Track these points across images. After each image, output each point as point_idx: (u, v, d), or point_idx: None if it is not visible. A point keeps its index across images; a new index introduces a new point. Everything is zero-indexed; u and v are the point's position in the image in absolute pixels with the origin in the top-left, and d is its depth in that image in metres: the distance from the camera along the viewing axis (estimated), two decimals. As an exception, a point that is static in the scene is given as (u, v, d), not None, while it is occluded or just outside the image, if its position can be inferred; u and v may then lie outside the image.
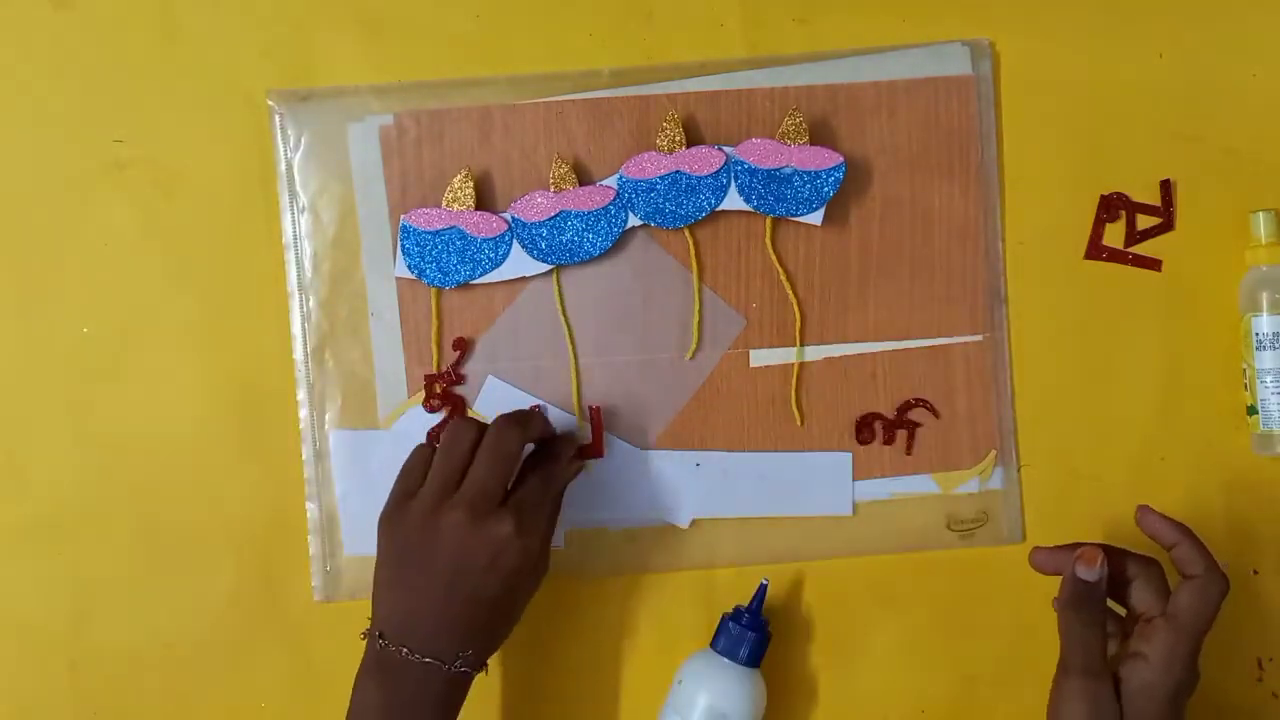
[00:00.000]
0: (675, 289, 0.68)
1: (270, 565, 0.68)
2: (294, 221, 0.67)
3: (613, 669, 0.67)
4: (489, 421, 0.62)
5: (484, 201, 0.67)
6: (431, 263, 0.66)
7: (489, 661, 0.61)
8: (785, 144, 0.66)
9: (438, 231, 0.66)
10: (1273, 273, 0.67)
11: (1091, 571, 0.58)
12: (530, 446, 0.64)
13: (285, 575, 0.68)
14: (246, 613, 0.68)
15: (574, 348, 0.68)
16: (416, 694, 0.58)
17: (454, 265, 0.66)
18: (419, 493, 0.60)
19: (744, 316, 0.68)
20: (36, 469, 0.68)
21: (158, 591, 0.68)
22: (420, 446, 0.63)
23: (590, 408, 0.68)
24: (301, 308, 0.67)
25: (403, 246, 0.66)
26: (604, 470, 0.68)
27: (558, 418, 0.68)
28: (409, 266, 0.66)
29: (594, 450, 0.68)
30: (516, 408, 0.67)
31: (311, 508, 0.67)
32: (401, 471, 0.62)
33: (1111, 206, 0.69)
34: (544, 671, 0.68)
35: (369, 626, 0.60)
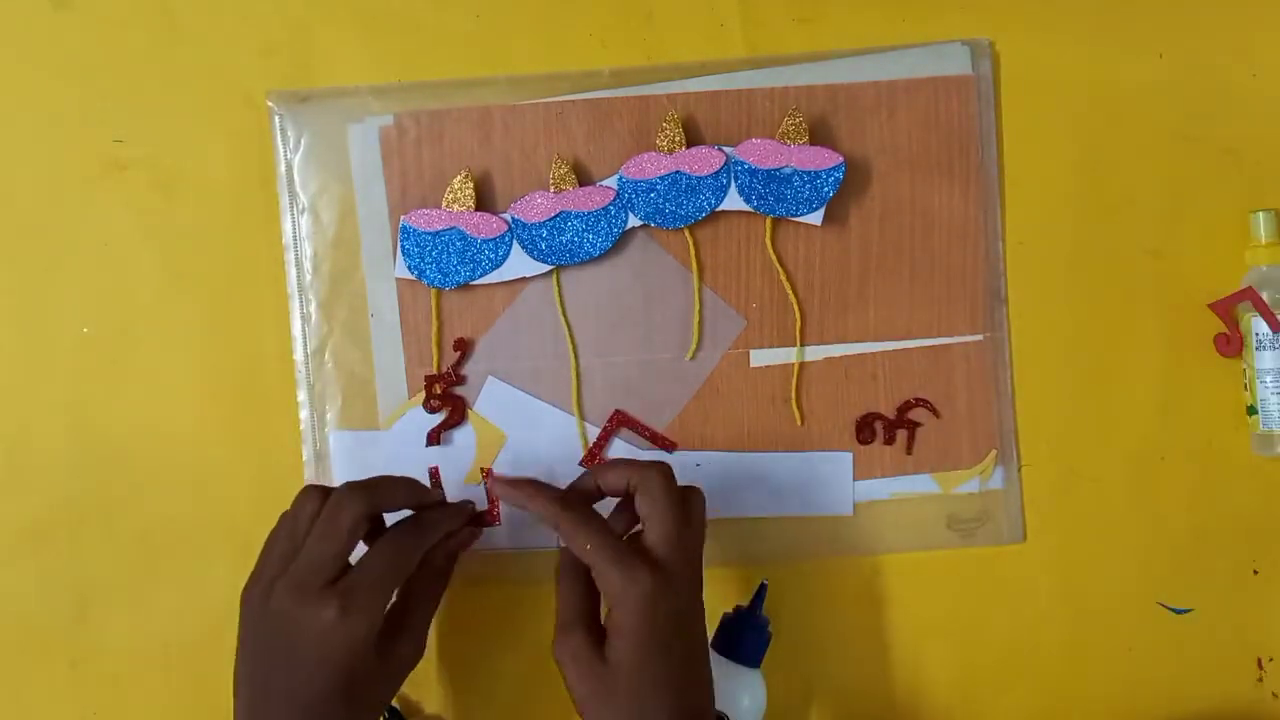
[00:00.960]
0: (675, 289, 0.68)
1: (270, 565, 0.68)
2: (294, 222, 0.67)
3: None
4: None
5: (484, 202, 0.67)
6: (431, 263, 0.66)
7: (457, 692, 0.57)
8: (785, 144, 0.66)
9: (438, 232, 0.66)
10: (1273, 273, 0.67)
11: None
12: (402, 513, 0.60)
13: (285, 575, 0.68)
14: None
15: (574, 348, 0.68)
16: None
17: (454, 266, 0.66)
18: (254, 570, 0.57)
19: (744, 316, 0.68)
20: (36, 469, 0.68)
21: (158, 591, 0.68)
22: (283, 514, 0.58)
23: (482, 470, 0.66)
24: (301, 308, 0.67)
25: (403, 247, 0.66)
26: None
27: (540, 415, 0.67)
28: (409, 267, 0.66)
29: (489, 518, 0.66)
30: (516, 408, 0.67)
31: (312, 508, 0.67)
32: (264, 546, 0.58)
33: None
34: (544, 672, 0.68)
35: None
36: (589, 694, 0.54)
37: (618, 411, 0.67)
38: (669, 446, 0.67)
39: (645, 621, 0.53)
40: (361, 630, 0.54)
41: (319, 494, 0.57)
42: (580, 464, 0.67)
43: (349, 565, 0.56)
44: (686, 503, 0.57)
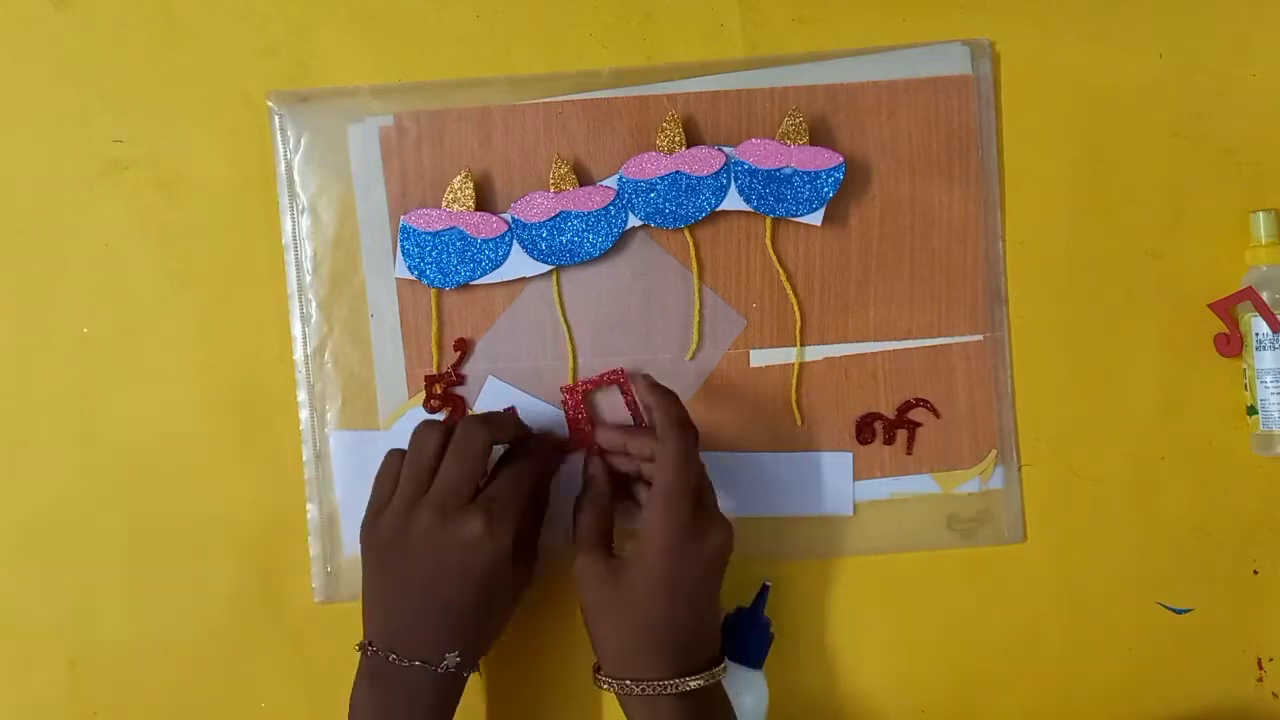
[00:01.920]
0: (675, 289, 0.68)
1: (270, 565, 0.68)
2: (294, 222, 0.67)
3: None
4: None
5: (484, 202, 0.67)
6: (431, 263, 0.66)
7: (484, 661, 0.61)
8: (785, 144, 0.66)
9: (438, 232, 0.66)
10: (1273, 273, 0.67)
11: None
12: (501, 449, 0.63)
13: (285, 575, 0.68)
14: (246, 613, 0.68)
15: (573, 348, 0.68)
16: (407, 699, 0.59)
17: (454, 266, 0.66)
18: (391, 500, 0.61)
19: (744, 316, 0.68)
20: (36, 469, 0.68)
21: (158, 591, 0.68)
22: (390, 453, 0.62)
23: (563, 389, 0.67)
24: (301, 308, 0.67)
25: (403, 247, 0.66)
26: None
27: (540, 415, 0.67)
28: (409, 267, 0.66)
29: (573, 442, 0.67)
30: (514, 408, 0.67)
31: (312, 509, 0.67)
32: (375, 481, 0.62)
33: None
34: (545, 672, 0.68)
35: (363, 637, 0.60)
36: (599, 602, 0.60)
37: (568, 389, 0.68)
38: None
39: (661, 555, 0.58)
40: (505, 540, 0.59)
41: (440, 428, 0.61)
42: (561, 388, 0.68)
43: (479, 488, 0.60)
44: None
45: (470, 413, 0.66)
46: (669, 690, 0.57)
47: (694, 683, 0.58)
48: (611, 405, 0.68)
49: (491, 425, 0.61)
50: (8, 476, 0.68)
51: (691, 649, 0.59)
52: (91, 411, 0.68)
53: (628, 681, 0.58)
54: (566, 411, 0.67)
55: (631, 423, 0.67)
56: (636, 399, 0.67)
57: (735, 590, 0.67)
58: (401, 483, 0.60)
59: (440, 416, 0.67)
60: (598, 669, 0.60)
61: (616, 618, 0.59)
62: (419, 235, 0.66)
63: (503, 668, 0.68)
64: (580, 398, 0.67)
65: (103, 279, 0.68)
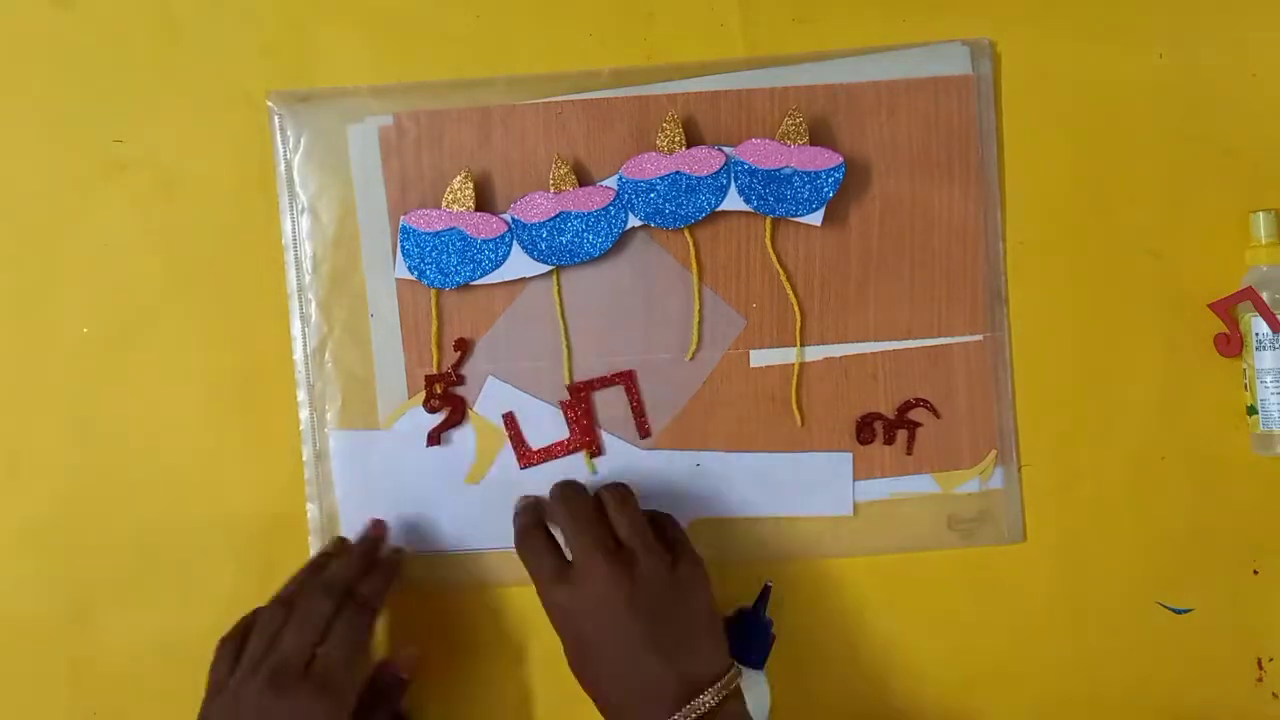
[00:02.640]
0: (675, 289, 0.68)
1: (270, 565, 0.68)
2: (293, 222, 0.67)
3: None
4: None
5: (484, 202, 0.67)
6: (431, 264, 0.66)
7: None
8: (785, 144, 0.66)
9: (438, 233, 0.66)
10: (1273, 273, 0.67)
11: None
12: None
13: (285, 575, 0.68)
14: (246, 613, 0.68)
15: (569, 348, 0.67)
16: None
17: (454, 266, 0.66)
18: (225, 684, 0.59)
19: (744, 316, 0.68)
20: (36, 469, 0.68)
21: (158, 591, 0.68)
22: (224, 637, 0.61)
23: (568, 389, 0.67)
24: (301, 308, 0.67)
25: (403, 248, 0.66)
26: (604, 471, 0.68)
27: (540, 415, 0.67)
28: (409, 268, 0.66)
29: (574, 444, 0.67)
30: (514, 408, 0.67)
31: (312, 508, 0.67)
32: (210, 670, 0.60)
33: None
34: (545, 673, 0.68)
35: None
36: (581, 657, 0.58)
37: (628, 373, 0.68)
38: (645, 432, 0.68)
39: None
40: (343, 709, 0.57)
41: (282, 608, 0.60)
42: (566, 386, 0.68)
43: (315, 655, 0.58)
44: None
45: (344, 541, 0.66)
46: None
47: (708, 700, 0.56)
48: (614, 406, 0.68)
49: (329, 586, 0.60)
50: (8, 476, 0.68)
51: (679, 671, 0.57)
52: (91, 411, 0.68)
53: None
54: (567, 412, 0.67)
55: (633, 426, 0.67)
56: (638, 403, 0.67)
57: (736, 591, 0.67)
58: (244, 658, 0.59)
59: (438, 418, 0.67)
60: None
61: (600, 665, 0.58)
62: (419, 235, 0.66)
63: None
64: (585, 398, 0.67)
65: (103, 279, 0.68)
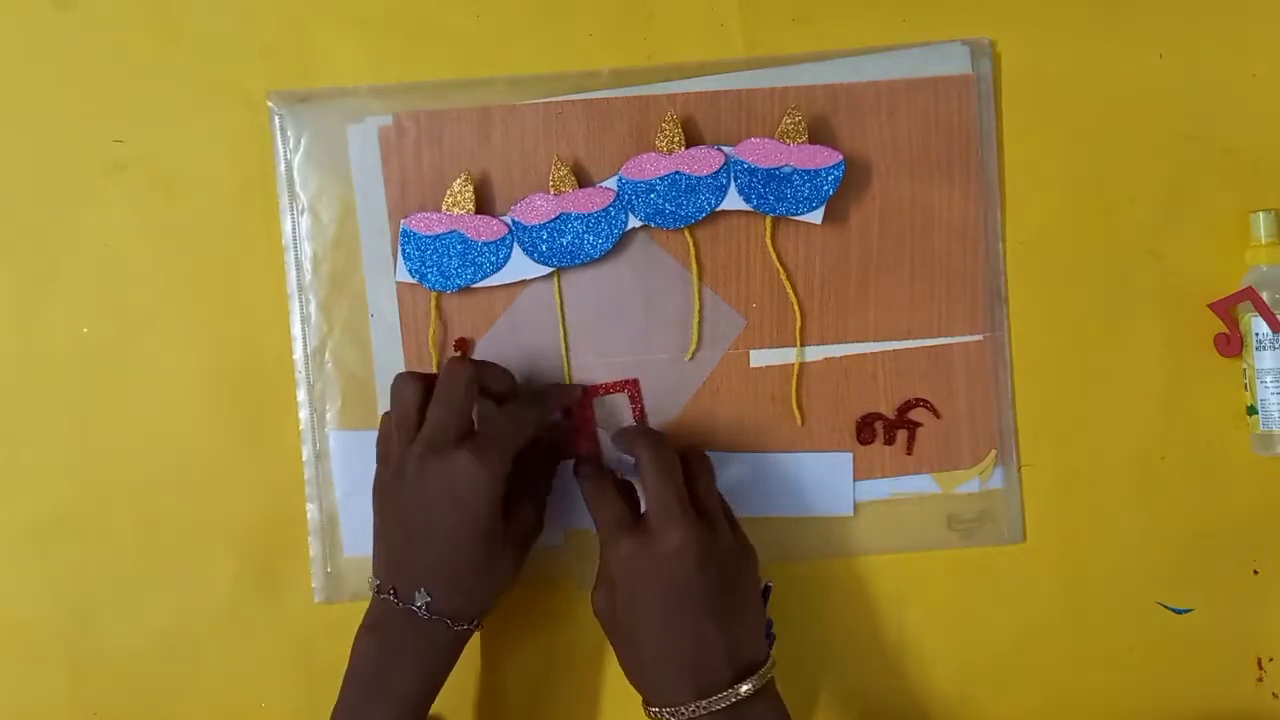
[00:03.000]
0: (675, 289, 0.68)
1: (270, 565, 0.68)
2: (294, 222, 0.67)
3: (615, 672, 0.67)
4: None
5: (484, 203, 0.67)
6: (432, 267, 0.66)
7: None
8: (785, 143, 0.66)
9: (438, 236, 0.66)
10: (1273, 273, 0.67)
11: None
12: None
13: (285, 575, 0.68)
14: (246, 613, 0.68)
15: (567, 350, 0.67)
16: (403, 644, 0.59)
17: (455, 269, 0.66)
18: (379, 464, 0.61)
19: (744, 316, 0.68)
20: (36, 469, 0.68)
21: (158, 591, 0.68)
22: (383, 417, 0.62)
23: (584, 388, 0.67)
24: (301, 309, 0.67)
25: (403, 251, 0.66)
26: (604, 470, 0.68)
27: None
28: (410, 271, 0.66)
29: (577, 447, 0.67)
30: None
31: (312, 509, 0.67)
32: (376, 447, 0.62)
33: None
34: (546, 674, 0.68)
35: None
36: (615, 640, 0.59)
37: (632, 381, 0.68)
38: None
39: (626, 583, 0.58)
40: (495, 476, 0.58)
41: (416, 379, 0.60)
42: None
43: (472, 429, 0.60)
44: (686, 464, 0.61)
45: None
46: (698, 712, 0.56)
47: (745, 688, 0.56)
48: (619, 414, 0.68)
49: (475, 366, 0.61)
50: (8, 476, 0.68)
51: (722, 658, 0.57)
52: (91, 411, 0.68)
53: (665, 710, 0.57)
54: (571, 417, 0.67)
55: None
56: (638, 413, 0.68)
57: (735, 590, 0.67)
58: (384, 446, 0.61)
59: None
60: (646, 703, 0.59)
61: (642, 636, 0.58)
62: (420, 239, 0.66)
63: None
64: (587, 403, 0.67)
65: (103, 279, 0.68)
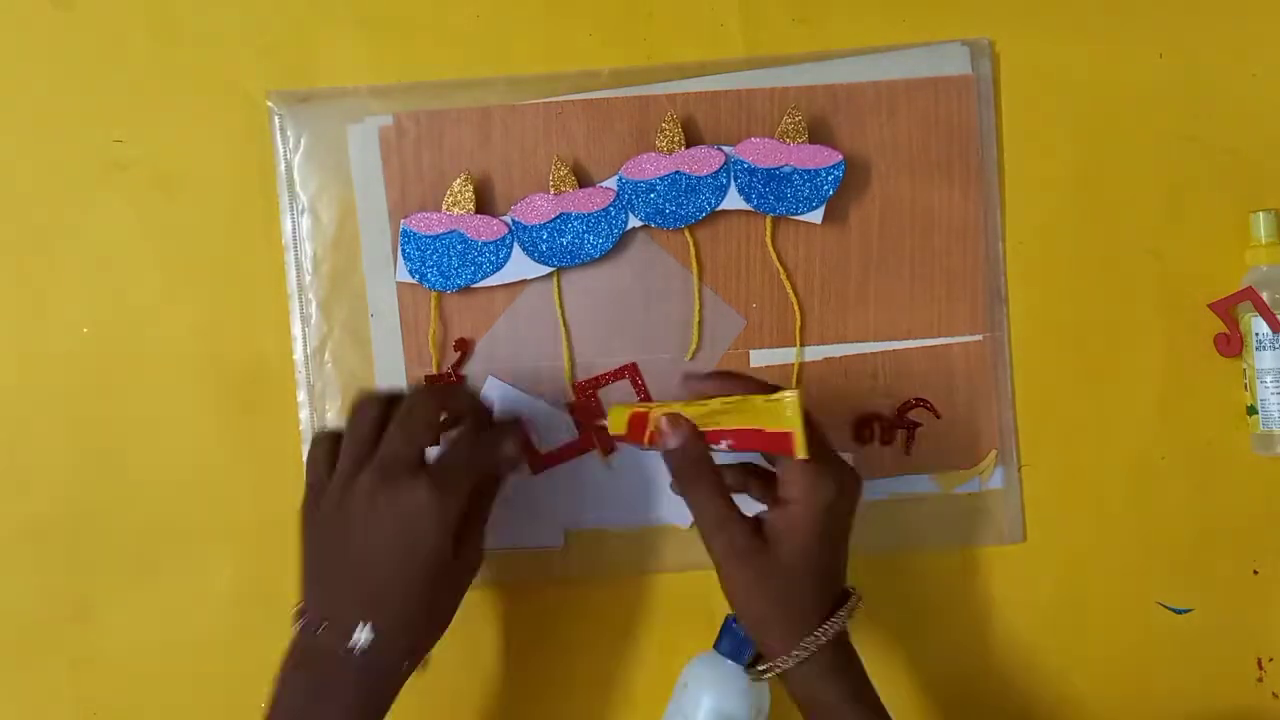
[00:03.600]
0: (675, 289, 0.68)
1: (270, 565, 0.68)
2: (294, 222, 0.67)
3: (615, 672, 0.67)
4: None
5: (484, 203, 0.67)
6: (433, 267, 0.66)
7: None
8: (784, 143, 0.66)
9: (438, 236, 0.66)
10: (1273, 273, 0.67)
11: (669, 440, 0.58)
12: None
13: (285, 576, 0.68)
14: (246, 613, 0.68)
15: (569, 350, 0.67)
16: (335, 684, 0.54)
17: (455, 269, 0.66)
18: (328, 479, 0.57)
19: (744, 316, 0.68)
20: (36, 469, 0.68)
21: (158, 591, 0.68)
22: (318, 435, 0.59)
23: (575, 388, 0.67)
24: (301, 308, 0.67)
25: (403, 251, 0.66)
26: (604, 470, 0.68)
27: (541, 416, 0.67)
28: (410, 271, 0.66)
29: (584, 442, 0.67)
30: (516, 408, 0.67)
31: (312, 508, 0.67)
32: (306, 466, 0.58)
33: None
34: (545, 675, 0.68)
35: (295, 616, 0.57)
36: (747, 580, 0.57)
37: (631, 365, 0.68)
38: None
39: (820, 515, 0.57)
40: (452, 511, 0.55)
41: (380, 399, 0.58)
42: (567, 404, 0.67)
43: (424, 459, 0.57)
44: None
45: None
46: (824, 636, 0.56)
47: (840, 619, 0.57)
48: (624, 400, 0.68)
49: (441, 394, 0.59)
50: (8, 476, 0.68)
51: (836, 586, 0.59)
52: (91, 411, 0.68)
53: (793, 654, 0.56)
54: (574, 412, 0.67)
55: None
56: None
57: (735, 590, 0.67)
58: (341, 457, 0.57)
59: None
60: (755, 661, 0.59)
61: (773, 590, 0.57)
62: (420, 239, 0.66)
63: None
64: (591, 397, 0.67)
65: (103, 279, 0.68)
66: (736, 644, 0.64)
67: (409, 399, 0.58)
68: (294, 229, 0.67)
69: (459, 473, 0.57)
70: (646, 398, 0.67)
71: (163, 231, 0.68)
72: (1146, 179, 0.69)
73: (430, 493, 0.55)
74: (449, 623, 0.59)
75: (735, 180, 0.66)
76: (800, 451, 0.55)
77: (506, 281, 0.66)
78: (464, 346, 0.67)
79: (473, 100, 0.67)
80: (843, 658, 0.58)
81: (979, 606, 0.69)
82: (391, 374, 0.67)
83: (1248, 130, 0.69)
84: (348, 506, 0.55)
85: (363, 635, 0.54)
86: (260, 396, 0.68)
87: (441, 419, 0.60)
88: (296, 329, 0.68)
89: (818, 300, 0.68)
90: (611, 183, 0.67)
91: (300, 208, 0.67)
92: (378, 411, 0.57)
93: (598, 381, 0.67)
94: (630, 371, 0.67)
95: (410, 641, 0.56)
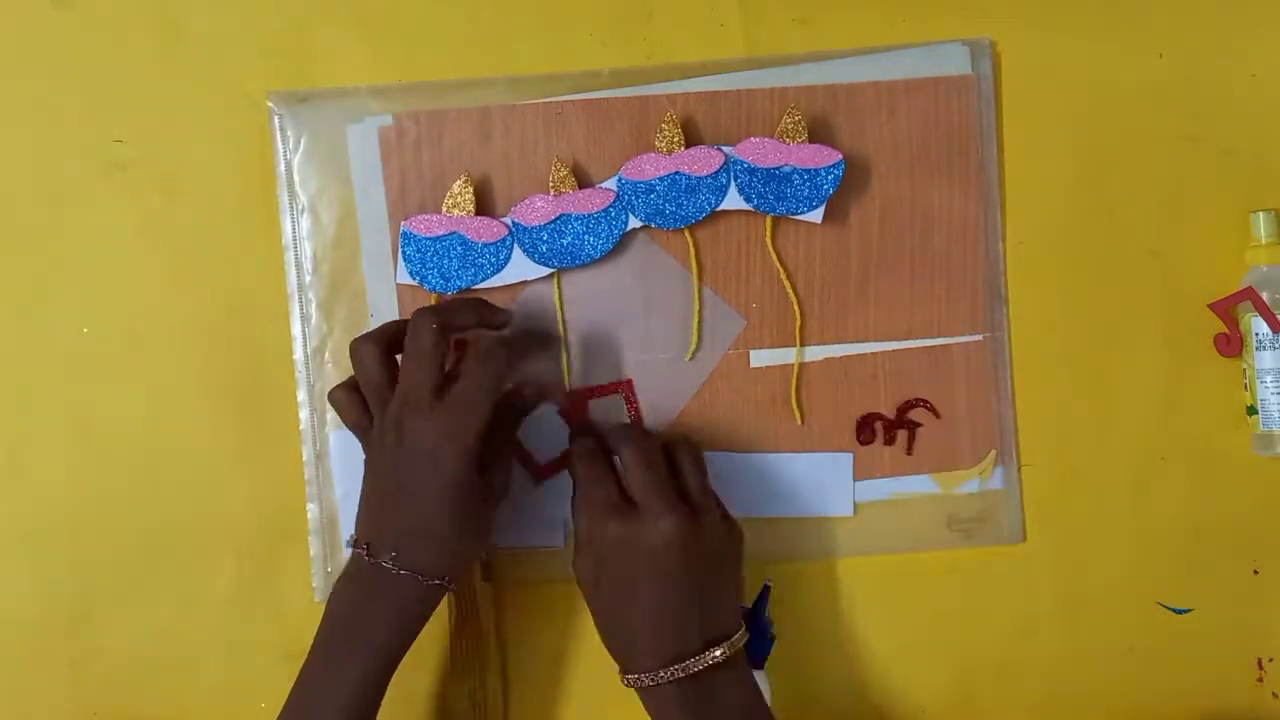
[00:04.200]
0: (675, 290, 0.68)
1: (270, 565, 0.68)
2: (293, 222, 0.67)
3: (615, 672, 0.67)
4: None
5: (484, 203, 0.67)
6: (433, 269, 0.66)
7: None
8: (784, 142, 0.66)
9: (438, 238, 0.66)
10: (1273, 273, 0.67)
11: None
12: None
13: (285, 575, 0.68)
14: (246, 613, 0.68)
15: (567, 354, 0.67)
16: (376, 595, 0.59)
17: (455, 271, 0.66)
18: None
19: (744, 316, 0.68)
20: (36, 469, 0.68)
21: (158, 591, 0.68)
22: (334, 389, 0.62)
23: (565, 395, 0.67)
24: (301, 308, 0.67)
25: (404, 253, 0.66)
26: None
27: (541, 416, 0.67)
28: (410, 273, 0.66)
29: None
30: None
31: (312, 508, 0.67)
32: (340, 414, 0.62)
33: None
34: (546, 674, 0.68)
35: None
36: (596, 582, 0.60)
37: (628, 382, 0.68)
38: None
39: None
40: (473, 428, 0.58)
41: (372, 341, 0.60)
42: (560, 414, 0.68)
43: (445, 381, 0.59)
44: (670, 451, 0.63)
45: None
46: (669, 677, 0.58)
47: (716, 653, 0.58)
48: (615, 408, 0.68)
49: (442, 313, 0.60)
50: (8, 476, 0.68)
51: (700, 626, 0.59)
52: (91, 411, 0.68)
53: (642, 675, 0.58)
54: (566, 418, 0.67)
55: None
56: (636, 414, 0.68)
57: (735, 590, 0.67)
58: (371, 403, 0.61)
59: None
60: (623, 671, 0.60)
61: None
62: (420, 240, 0.66)
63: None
64: (582, 405, 0.67)
65: (103, 279, 0.68)
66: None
67: (411, 327, 0.60)
68: (294, 229, 0.67)
69: (473, 398, 0.59)
70: (637, 415, 0.67)
71: (163, 231, 0.68)
72: (1146, 179, 0.69)
73: (447, 415, 0.58)
74: (484, 541, 0.63)
75: (735, 180, 0.66)
76: None
77: (507, 283, 0.66)
78: (464, 346, 0.67)
79: (473, 100, 0.67)
80: (710, 692, 0.59)
81: (979, 606, 0.69)
82: (391, 374, 0.67)
83: (1248, 130, 0.69)
84: (383, 446, 0.59)
85: (388, 556, 0.58)
86: (260, 396, 0.68)
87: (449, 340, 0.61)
88: (296, 329, 0.68)
89: (818, 300, 0.68)
90: (611, 183, 0.67)
91: (300, 208, 0.67)
92: (376, 351, 0.60)
93: (592, 392, 0.67)
94: (625, 388, 0.67)
95: (432, 559, 0.59)
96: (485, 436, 0.59)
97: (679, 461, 0.62)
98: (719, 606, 0.60)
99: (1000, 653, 0.69)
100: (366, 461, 0.61)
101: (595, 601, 0.61)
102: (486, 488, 0.61)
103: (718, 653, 0.58)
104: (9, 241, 0.68)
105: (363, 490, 0.61)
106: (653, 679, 0.58)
